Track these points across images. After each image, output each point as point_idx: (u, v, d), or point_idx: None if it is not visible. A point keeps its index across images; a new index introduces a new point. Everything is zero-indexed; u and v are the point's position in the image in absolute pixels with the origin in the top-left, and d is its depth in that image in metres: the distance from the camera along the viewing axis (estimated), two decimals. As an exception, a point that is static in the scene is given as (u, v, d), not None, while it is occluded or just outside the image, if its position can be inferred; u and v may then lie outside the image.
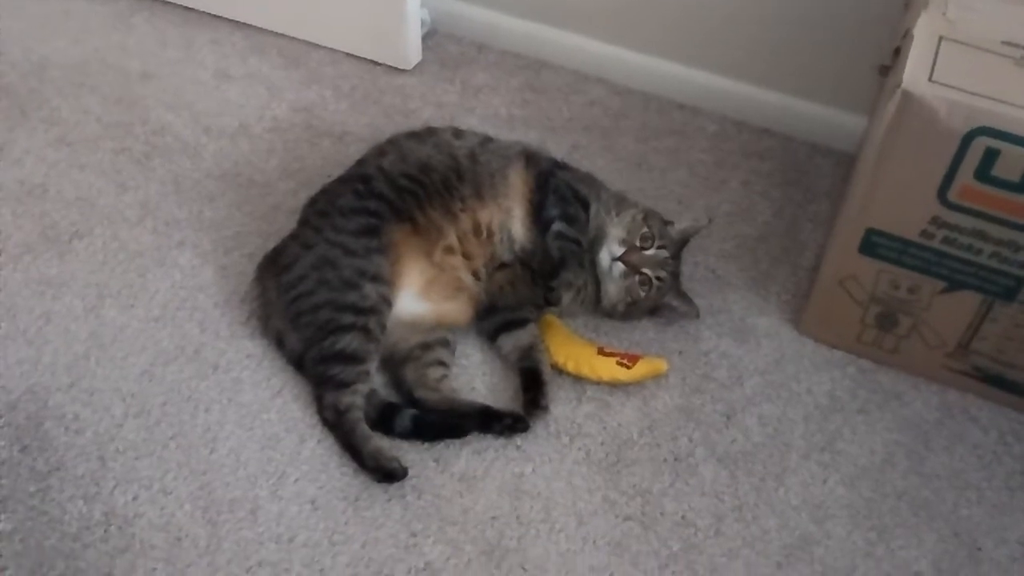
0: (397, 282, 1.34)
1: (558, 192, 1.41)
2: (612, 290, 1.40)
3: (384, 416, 1.30)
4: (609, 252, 1.39)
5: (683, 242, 1.44)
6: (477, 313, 1.41)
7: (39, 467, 1.25)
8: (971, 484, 1.28)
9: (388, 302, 1.32)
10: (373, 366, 1.31)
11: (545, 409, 1.32)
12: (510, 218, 1.40)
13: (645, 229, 1.39)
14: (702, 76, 1.80)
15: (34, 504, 1.21)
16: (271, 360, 1.37)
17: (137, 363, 1.37)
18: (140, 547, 1.18)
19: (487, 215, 1.39)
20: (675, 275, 1.43)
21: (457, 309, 1.38)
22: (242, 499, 1.23)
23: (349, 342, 1.28)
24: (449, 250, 1.38)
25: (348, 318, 1.29)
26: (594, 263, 1.41)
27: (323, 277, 1.32)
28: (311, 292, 1.32)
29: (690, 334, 1.44)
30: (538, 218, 1.40)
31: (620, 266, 1.38)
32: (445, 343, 1.38)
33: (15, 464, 1.25)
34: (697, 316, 1.43)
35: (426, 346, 1.36)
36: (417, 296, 1.35)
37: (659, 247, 1.39)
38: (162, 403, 1.32)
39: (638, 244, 1.38)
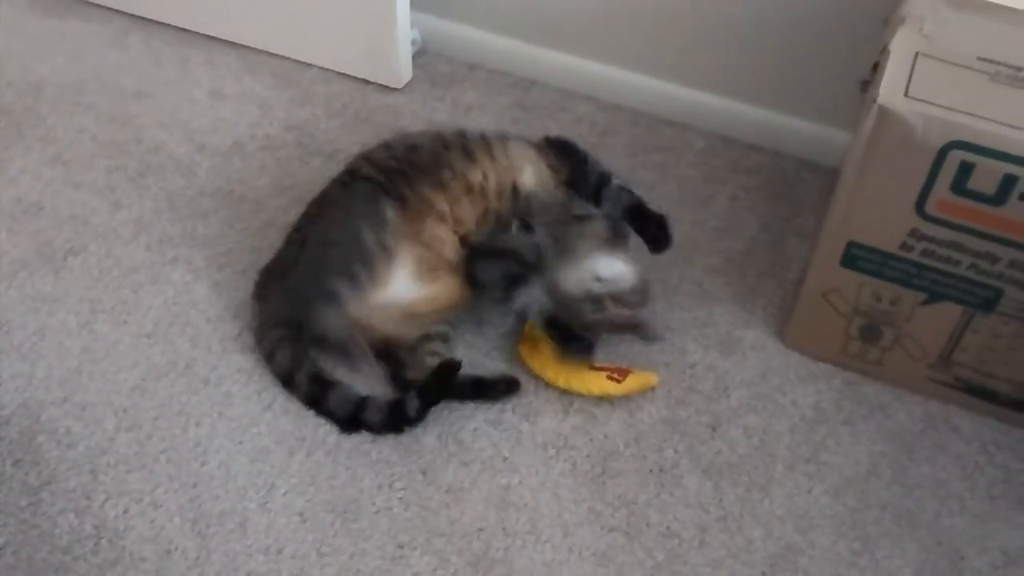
0: (391, 265, 1.36)
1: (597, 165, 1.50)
2: None
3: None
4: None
5: None
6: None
7: (31, 481, 1.26)
8: (953, 494, 1.29)
9: (387, 249, 1.34)
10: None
11: (670, 240, 1.42)
12: (518, 173, 1.44)
13: None
14: (690, 93, 1.82)
15: (25, 518, 1.23)
16: (261, 374, 1.38)
17: (129, 378, 1.38)
18: (130, 560, 1.19)
19: (478, 175, 1.42)
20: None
21: (445, 288, 1.40)
22: (231, 512, 1.24)
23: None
24: (440, 218, 1.40)
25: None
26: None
27: (325, 251, 1.36)
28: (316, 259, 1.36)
29: (676, 347, 1.46)
30: (581, 181, 1.47)
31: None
32: (445, 337, 1.40)
33: (7, 478, 1.26)
34: None
35: (427, 338, 1.38)
36: (408, 279, 1.37)
37: None
38: (154, 417, 1.34)
39: None
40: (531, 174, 1.45)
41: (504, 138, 1.49)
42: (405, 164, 1.42)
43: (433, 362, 1.36)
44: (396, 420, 1.31)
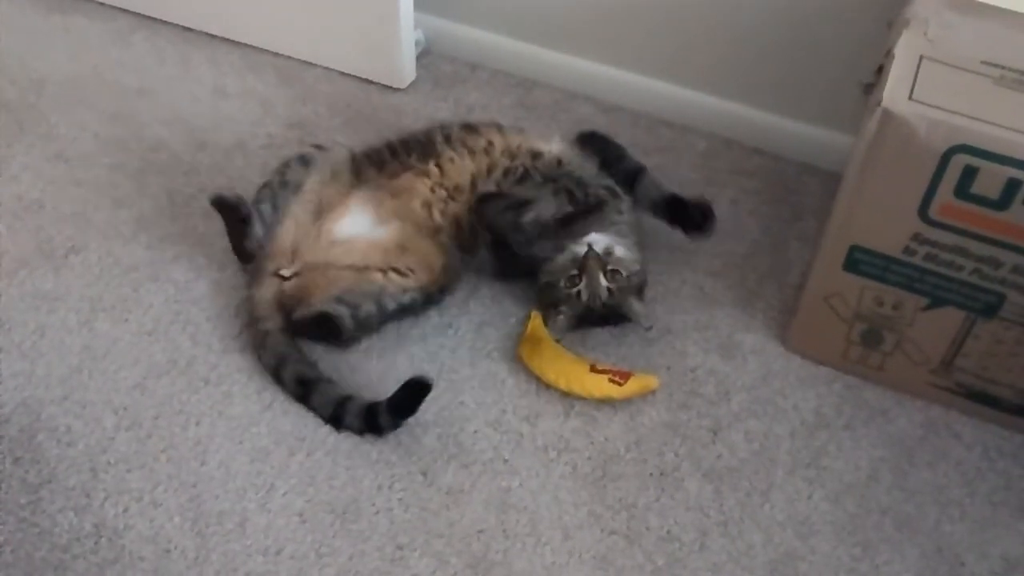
0: (345, 203, 1.48)
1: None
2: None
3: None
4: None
5: None
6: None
7: (31, 479, 1.26)
8: (954, 500, 1.29)
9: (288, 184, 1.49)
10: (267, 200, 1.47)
11: (715, 221, 1.48)
12: (542, 142, 1.54)
13: None
14: (691, 95, 1.82)
15: (25, 516, 1.23)
16: (261, 374, 1.38)
17: (129, 376, 1.38)
18: (129, 559, 1.19)
19: (481, 141, 1.51)
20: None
21: (406, 238, 1.46)
22: (231, 511, 1.24)
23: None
24: (421, 174, 1.49)
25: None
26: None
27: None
28: None
29: (677, 350, 1.45)
30: (615, 166, 1.54)
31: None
32: (355, 307, 1.39)
33: (7, 476, 1.26)
34: None
35: (339, 300, 1.38)
36: (363, 217, 1.47)
37: None
38: (154, 416, 1.34)
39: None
40: (559, 146, 1.54)
41: (522, 128, 1.58)
42: (396, 141, 1.55)
43: (323, 308, 1.37)
44: (372, 427, 1.31)
